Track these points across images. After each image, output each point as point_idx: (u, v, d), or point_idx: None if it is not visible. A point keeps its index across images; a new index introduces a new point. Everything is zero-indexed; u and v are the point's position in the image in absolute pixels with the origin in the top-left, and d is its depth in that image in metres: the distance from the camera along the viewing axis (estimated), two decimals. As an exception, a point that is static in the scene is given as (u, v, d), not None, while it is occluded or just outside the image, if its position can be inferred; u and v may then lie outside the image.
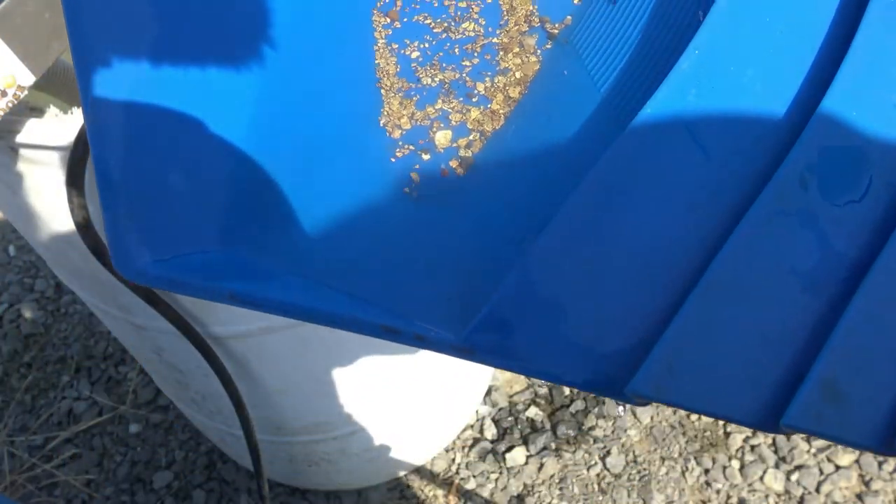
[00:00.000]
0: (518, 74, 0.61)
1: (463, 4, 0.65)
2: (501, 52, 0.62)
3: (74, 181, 0.72)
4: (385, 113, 0.60)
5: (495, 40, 0.63)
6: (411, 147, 0.59)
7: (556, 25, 0.63)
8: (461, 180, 0.58)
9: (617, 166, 0.44)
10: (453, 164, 0.58)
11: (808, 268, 0.41)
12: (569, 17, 0.63)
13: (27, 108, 0.79)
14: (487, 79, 0.62)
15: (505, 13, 0.64)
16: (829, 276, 0.38)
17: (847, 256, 0.41)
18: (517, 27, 0.63)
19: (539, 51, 0.62)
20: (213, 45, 0.53)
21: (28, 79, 0.67)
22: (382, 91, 0.61)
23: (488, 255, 0.53)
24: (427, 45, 0.64)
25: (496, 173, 0.57)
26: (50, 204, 0.86)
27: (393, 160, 0.59)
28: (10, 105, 0.66)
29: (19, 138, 0.76)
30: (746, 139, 0.45)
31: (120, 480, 1.41)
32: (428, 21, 0.64)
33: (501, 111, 0.60)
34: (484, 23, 0.64)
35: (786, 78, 0.48)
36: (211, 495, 1.25)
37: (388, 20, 0.64)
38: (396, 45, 0.64)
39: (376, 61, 0.63)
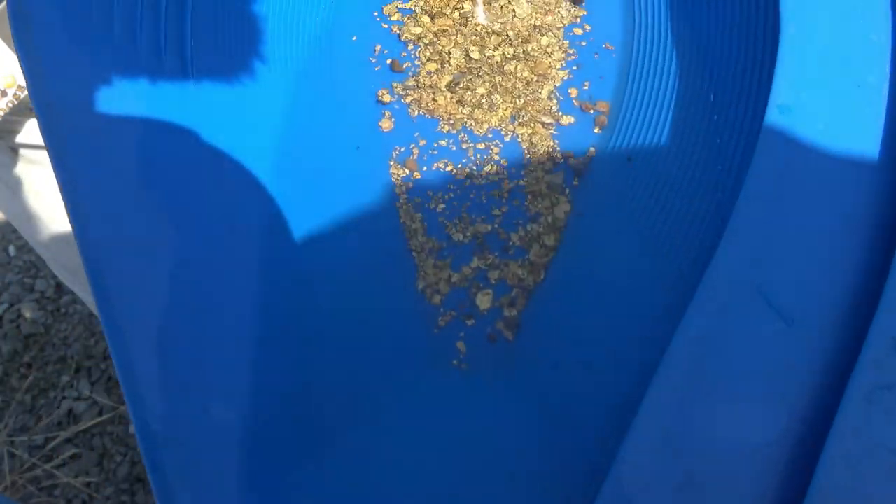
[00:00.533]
0: (550, 219, 0.59)
1: (482, 146, 0.63)
2: (530, 196, 0.60)
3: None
4: (421, 277, 0.58)
5: (521, 182, 0.61)
6: (454, 313, 0.56)
7: (581, 160, 0.61)
8: (511, 345, 0.54)
9: (689, 348, 0.41)
10: (500, 326, 0.55)
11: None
12: (592, 149, 0.61)
13: (27, 108, 0.78)
14: (521, 227, 0.59)
15: (526, 151, 0.62)
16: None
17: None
18: (541, 166, 0.61)
19: (567, 190, 0.60)
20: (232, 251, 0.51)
21: None
22: (414, 254, 0.59)
23: (552, 430, 0.50)
24: (452, 195, 0.62)
25: (547, 335, 0.53)
26: (50, 204, 0.86)
27: (436, 331, 0.56)
28: (10, 105, 0.65)
29: (19, 138, 0.75)
30: (824, 294, 0.42)
31: (120, 480, 1.37)
32: (449, 168, 0.62)
33: (540, 262, 0.57)
34: (506, 164, 0.62)
35: (852, 211, 0.45)
36: (212, 495, 1.20)
37: (407, 171, 0.62)
38: (420, 199, 0.62)
39: (402, 220, 0.60)
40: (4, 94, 0.64)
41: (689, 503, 0.39)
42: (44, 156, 0.77)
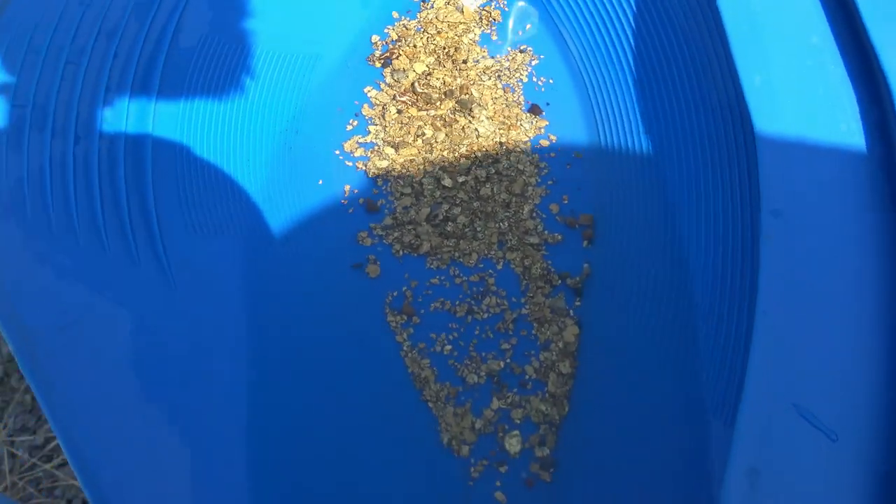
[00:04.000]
0: (561, 345, 0.58)
1: (475, 279, 0.62)
2: (536, 324, 0.59)
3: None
4: (444, 430, 0.56)
5: (524, 311, 0.60)
6: (485, 462, 0.54)
7: (578, 279, 0.60)
8: (550, 487, 0.53)
9: (741, 478, 0.40)
10: (535, 469, 0.54)
11: None
12: (587, 266, 0.61)
13: None
14: (533, 359, 0.58)
15: (522, 277, 0.61)
16: None
17: None
18: (540, 290, 0.60)
19: (572, 311, 0.59)
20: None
21: None
22: (430, 404, 0.57)
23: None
24: (456, 334, 0.60)
25: (583, 468, 0.52)
26: None
27: (471, 483, 0.54)
28: None
29: None
30: (859, 400, 0.43)
31: None
32: (447, 306, 0.61)
33: (561, 392, 0.56)
34: (505, 293, 0.61)
35: (868, 309, 0.46)
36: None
37: (405, 318, 0.60)
38: (424, 345, 0.60)
39: (409, 370, 0.58)
40: None
41: None
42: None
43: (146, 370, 0.47)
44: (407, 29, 0.71)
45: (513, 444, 0.54)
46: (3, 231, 0.48)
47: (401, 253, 0.62)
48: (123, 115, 0.52)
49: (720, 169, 0.55)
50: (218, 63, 0.59)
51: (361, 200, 0.64)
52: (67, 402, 0.45)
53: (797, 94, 0.49)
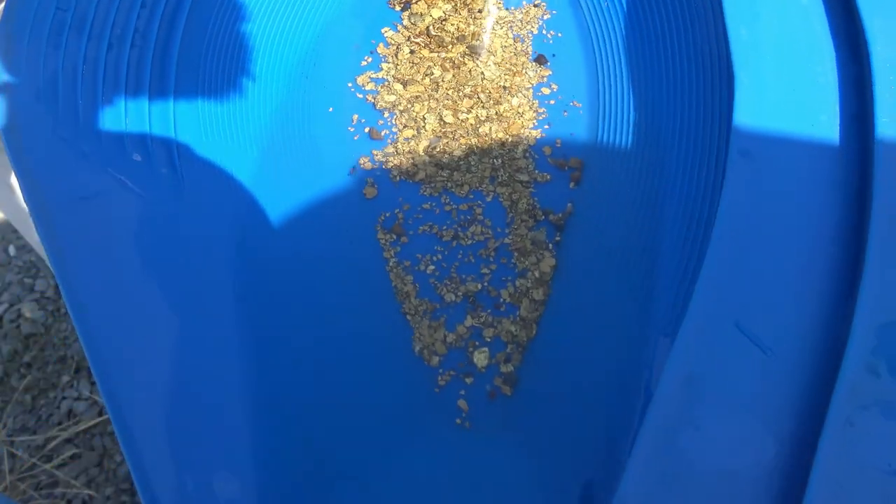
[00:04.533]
0: (537, 274, 0.61)
1: (464, 207, 0.65)
2: (516, 253, 0.62)
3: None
4: (417, 339, 0.59)
5: (507, 241, 0.63)
6: (452, 373, 0.58)
7: (561, 216, 0.63)
8: (510, 400, 0.56)
9: (677, 385, 0.43)
10: (498, 382, 0.57)
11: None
12: (570, 205, 0.64)
13: None
14: (510, 284, 0.61)
15: (508, 210, 0.65)
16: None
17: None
18: (524, 223, 0.64)
19: (551, 245, 0.62)
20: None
21: None
22: (408, 317, 0.60)
23: (555, 480, 0.52)
24: (440, 256, 0.64)
25: (543, 386, 0.55)
26: None
27: (437, 391, 0.57)
28: None
29: None
30: (797, 323, 0.45)
31: (120, 480, 1.33)
32: (435, 231, 0.64)
33: (531, 317, 0.59)
34: (491, 223, 0.64)
35: (817, 246, 0.48)
36: (214, 494, 1.18)
37: (395, 237, 0.64)
38: (409, 263, 0.63)
39: (393, 284, 0.62)
40: None
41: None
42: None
43: (150, 245, 0.52)
44: (427, -25, 0.75)
45: (480, 358, 0.58)
46: (34, 114, 0.53)
47: (397, 179, 0.66)
48: (154, 30, 0.57)
49: (705, 120, 0.57)
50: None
51: (367, 129, 0.68)
52: (76, 263, 0.50)
53: (780, 48, 0.51)
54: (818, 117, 0.51)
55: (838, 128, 0.50)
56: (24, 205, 0.82)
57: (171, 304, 0.52)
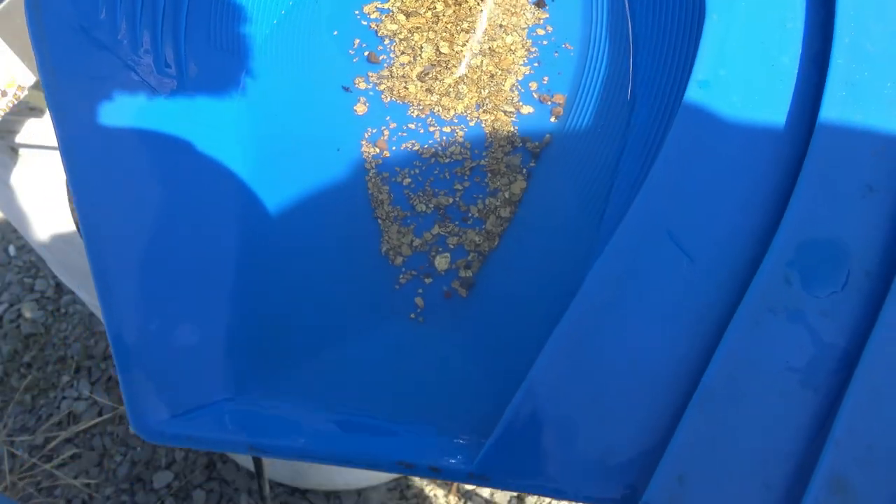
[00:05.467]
0: (507, 195, 0.65)
1: (447, 129, 0.69)
2: (490, 174, 0.66)
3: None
4: (385, 241, 0.64)
5: (483, 162, 0.67)
6: (413, 273, 0.62)
7: (538, 144, 0.67)
8: (465, 301, 0.60)
9: (604, 281, 0.46)
10: (455, 285, 0.61)
11: (803, 363, 0.42)
12: (548, 136, 0.67)
13: (27, 108, 0.80)
14: (479, 201, 0.65)
15: (488, 136, 0.68)
16: (824, 369, 0.40)
17: (838, 347, 0.43)
18: (501, 148, 0.67)
19: (524, 170, 0.66)
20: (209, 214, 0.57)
21: (28, 79, 0.68)
22: (380, 221, 0.65)
23: (496, 374, 0.55)
24: (417, 171, 0.68)
25: (497, 292, 0.59)
26: (50, 204, 0.87)
27: (397, 287, 0.61)
28: (10, 105, 0.67)
29: (19, 138, 0.77)
30: (726, 238, 0.48)
31: (120, 480, 1.38)
32: (416, 147, 0.68)
33: (495, 231, 0.63)
34: (470, 146, 0.68)
35: (755, 171, 0.51)
36: (211, 495, 1.23)
37: (378, 150, 0.69)
38: (388, 174, 0.68)
39: (370, 192, 0.67)
40: (4, 94, 0.67)
41: (592, 417, 0.44)
42: (44, 156, 0.81)
43: (151, 128, 0.57)
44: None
45: (441, 262, 0.62)
46: (56, 7, 0.59)
47: (388, 99, 0.70)
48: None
49: (679, 63, 0.60)
50: None
51: (366, 53, 0.73)
52: (80, 133, 0.55)
53: None
54: (780, 58, 0.54)
55: (797, 68, 0.53)
56: (24, 205, 0.88)
57: (163, 182, 0.57)
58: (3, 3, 0.67)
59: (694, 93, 0.53)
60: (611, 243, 0.47)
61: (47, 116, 0.74)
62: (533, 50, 0.73)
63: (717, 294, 0.46)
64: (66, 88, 0.58)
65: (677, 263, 0.48)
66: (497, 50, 0.72)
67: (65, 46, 0.59)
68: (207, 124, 0.63)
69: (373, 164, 0.67)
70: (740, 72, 0.53)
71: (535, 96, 0.70)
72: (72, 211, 0.78)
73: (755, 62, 0.54)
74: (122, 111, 0.59)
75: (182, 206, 0.57)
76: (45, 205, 0.90)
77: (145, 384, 0.48)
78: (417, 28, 0.74)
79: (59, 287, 1.78)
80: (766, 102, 0.52)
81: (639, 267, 0.47)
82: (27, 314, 1.76)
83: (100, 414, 1.54)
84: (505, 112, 0.69)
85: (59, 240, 0.94)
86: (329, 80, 0.71)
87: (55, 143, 0.72)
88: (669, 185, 0.49)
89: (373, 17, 0.76)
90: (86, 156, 0.56)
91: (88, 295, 1.04)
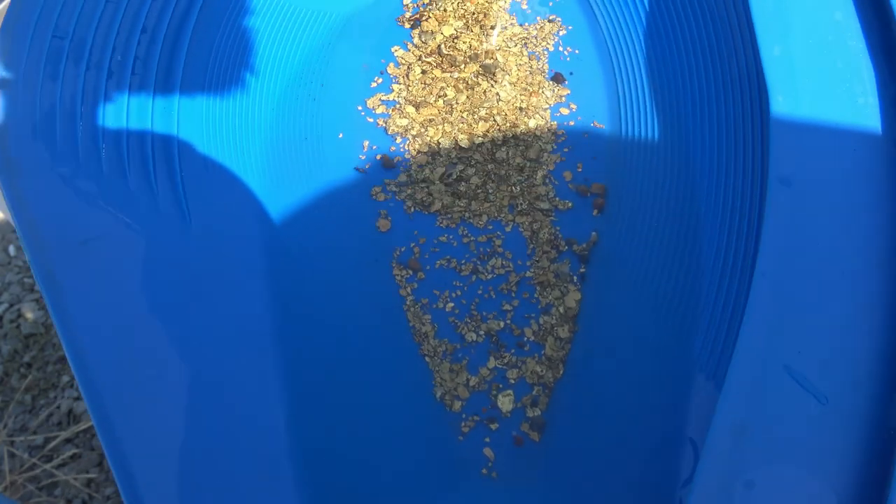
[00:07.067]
0: (561, 310, 0.58)
1: (483, 239, 0.62)
2: (538, 287, 0.60)
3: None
4: (438, 384, 0.57)
5: (528, 274, 0.60)
6: (476, 418, 0.55)
7: (585, 246, 0.60)
8: (539, 447, 0.54)
9: (724, 440, 0.41)
10: (525, 428, 0.54)
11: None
12: (594, 234, 0.61)
13: None
14: (533, 321, 0.59)
15: (529, 241, 0.62)
16: None
17: None
18: (546, 255, 0.61)
19: (575, 278, 0.59)
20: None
21: None
22: (427, 359, 0.58)
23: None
24: (459, 292, 0.61)
25: (573, 431, 0.53)
26: None
27: (461, 438, 0.55)
28: None
29: None
30: (855, 370, 0.42)
31: None
32: (453, 264, 0.61)
33: (557, 356, 0.56)
34: (511, 256, 0.61)
35: (870, 283, 0.45)
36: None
37: (410, 272, 0.61)
38: (427, 300, 0.60)
39: (411, 324, 0.59)
40: None
41: None
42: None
43: (156, 291, 0.49)
44: (437, -9, 0.71)
45: (505, 402, 0.55)
46: (31, 152, 0.50)
47: (412, 210, 0.63)
48: (156, 54, 0.54)
49: (740, 144, 0.54)
50: (250, 13, 0.60)
51: (378, 156, 0.65)
52: (78, 312, 0.47)
53: (816, 66, 0.48)
54: (860, 143, 0.48)
55: (881, 152, 0.47)
56: None
57: (184, 352, 0.49)
58: (3, 3, 0.60)
59: (776, 192, 0.47)
60: (724, 390, 0.42)
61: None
62: (560, 133, 0.66)
63: (857, 440, 0.40)
64: (57, 264, 0.49)
65: (804, 405, 0.42)
66: (521, 137, 0.65)
67: (47, 208, 0.50)
68: (219, 273, 0.55)
69: (408, 291, 0.60)
70: (821, 162, 0.48)
71: (572, 188, 0.64)
72: None
73: (835, 149, 0.48)
74: (124, 276, 0.51)
75: (213, 383, 0.49)
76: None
77: None
78: (430, 120, 0.66)
79: (60, 285, 1.69)
80: (859, 195, 0.47)
81: (761, 413, 0.41)
82: (27, 314, 1.69)
83: (100, 413, 1.49)
84: (542, 211, 0.62)
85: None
86: (344, 197, 0.63)
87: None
88: (774, 309, 0.43)
89: (378, 111, 0.68)
90: (96, 354, 0.47)
91: None
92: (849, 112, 0.47)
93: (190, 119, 0.56)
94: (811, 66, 0.48)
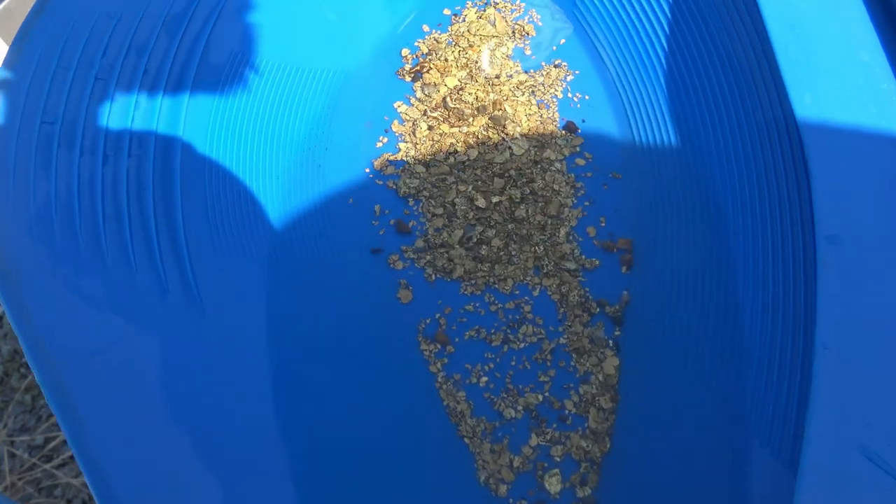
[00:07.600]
0: (601, 377, 0.55)
1: (511, 306, 0.59)
2: (574, 355, 0.57)
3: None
4: (480, 467, 0.53)
5: (562, 340, 0.57)
6: (524, 503, 0.52)
7: (617, 307, 0.58)
8: (594, 530, 0.51)
9: None
10: (576, 509, 0.51)
11: None
12: (625, 293, 0.58)
13: None
14: (573, 392, 0.56)
15: (558, 304, 0.59)
16: None
17: None
18: (578, 319, 0.58)
19: (611, 342, 0.57)
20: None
21: None
22: (467, 440, 0.54)
23: None
24: (492, 364, 0.58)
25: (628, 510, 0.50)
26: None
27: (511, 526, 0.51)
28: None
29: None
30: None
31: None
32: (482, 335, 0.58)
33: (602, 429, 0.54)
34: (542, 322, 0.58)
35: None
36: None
37: (439, 346, 0.58)
38: (459, 376, 0.57)
39: (444, 403, 0.56)
40: None
41: None
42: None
43: (176, 399, 0.45)
44: (438, 42, 0.68)
45: (553, 483, 0.52)
46: (29, 255, 0.46)
47: (433, 277, 0.59)
48: (152, 134, 0.50)
49: (770, 189, 0.52)
50: (247, 80, 0.56)
51: (392, 221, 0.61)
52: (94, 433, 0.43)
53: (849, 112, 0.46)
54: None
55: None
56: None
57: (208, 460, 0.45)
58: (4, 3, 0.59)
59: (826, 252, 0.45)
60: (801, 475, 0.40)
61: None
62: (579, 185, 0.64)
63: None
64: (67, 380, 0.45)
65: (886, 489, 0.40)
66: (539, 193, 0.63)
67: (51, 319, 0.46)
68: (237, 364, 0.51)
69: (439, 366, 0.56)
70: (869, 217, 0.46)
71: (597, 244, 0.61)
72: None
73: (880, 200, 0.46)
74: (140, 388, 0.46)
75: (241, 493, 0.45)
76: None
77: None
78: (443, 180, 0.63)
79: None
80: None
81: (845, 500, 0.39)
82: (27, 314, 1.64)
83: (101, 413, 1.46)
84: (569, 272, 0.60)
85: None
86: (360, 270, 0.60)
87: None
88: (842, 383, 0.41)
89: (387, 172, 0.64)
90: (116, 474, 0.43)
91: None
92: (891, 163, 0.46)
93: (192, 201, 0.52)
94: (845, 113, 0.46)
